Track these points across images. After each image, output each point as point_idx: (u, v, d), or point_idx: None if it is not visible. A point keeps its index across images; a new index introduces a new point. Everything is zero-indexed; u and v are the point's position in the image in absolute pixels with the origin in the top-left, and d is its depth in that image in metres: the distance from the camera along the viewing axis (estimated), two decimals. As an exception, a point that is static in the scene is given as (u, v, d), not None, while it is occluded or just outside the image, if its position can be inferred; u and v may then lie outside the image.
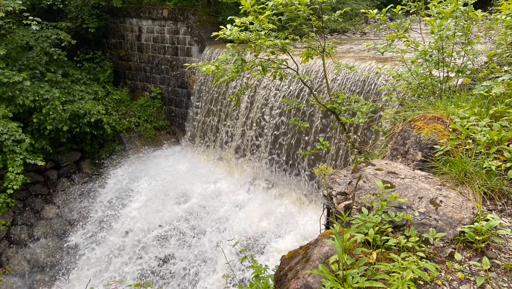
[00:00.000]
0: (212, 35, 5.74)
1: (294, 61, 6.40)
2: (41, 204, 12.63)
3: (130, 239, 10.95)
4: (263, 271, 3.83)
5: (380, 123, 7.05)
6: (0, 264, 11.01)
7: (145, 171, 12.65)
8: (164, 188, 11.76)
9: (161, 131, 14.72)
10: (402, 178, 3.12)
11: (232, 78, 6.27)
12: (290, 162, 10.73)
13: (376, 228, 2.67)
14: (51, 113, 11.94)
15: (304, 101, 9.92)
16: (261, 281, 3.68)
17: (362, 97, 7.73)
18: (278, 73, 6.29)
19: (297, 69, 6.41)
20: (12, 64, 11.95)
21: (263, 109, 11.29)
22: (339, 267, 2.39)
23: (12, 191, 10.77)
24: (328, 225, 3.94)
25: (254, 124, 11.57)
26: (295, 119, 6.51)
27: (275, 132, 11.03)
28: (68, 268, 11.42)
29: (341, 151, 9.31)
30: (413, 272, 2.35)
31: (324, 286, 2.29)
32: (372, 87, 8.81)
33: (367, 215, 2.75)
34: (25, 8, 11.52)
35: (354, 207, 3.02)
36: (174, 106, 14.69)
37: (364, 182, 3.13)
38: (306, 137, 10.20)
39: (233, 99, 6.44)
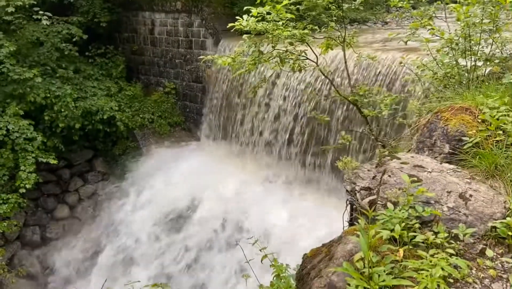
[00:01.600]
0: (228, 26, 5.42)
1: (314, 52, 5.97)
2: (53, 204, 12.43)
3: (146, 238, 10.71)
4: (284, 270, 3.73)
5: (404, 116, 6.81)
6: (13, 266, 10.82)
7: (159, 168, 12.30)
8: (179, 185, 11.41)
9: (176, 127, 14.35)
10: (429, 172, 3.02)
11: (249, 71, 5.94)
12: (311, 157, 10.30)
13: (403, 224, 2.57)
14: (63, 110, 11.66)
15: (323, 95, 9.46)
16: (282, 281, 3.61)
17: (385, 89, 7.38)
18: (296, 64, 5.88)
19: (317, 60, 5.97)
20: (23, 61, 11.70)
21: (282, 103, 10.84)
22: (364, 265, 2.30)
23: (24, 190, 10.53)
24: (351, 222, 3.80)
25: (273, 118, 11.12)
26: (316, 112, 6.12)
27: (295, 126, 10.57)
28: (82, 269, 11.20)
29: (363, 144, 8.93)
30: (442, 269, 2.25)
31: (349, 284, 2.21)
32: (395, 78, 8.39)
33: (393, 211, 2.65)
34: (35, 2, 11.23)
35: (379, 202, 2.94)
36: (189, 101, 14.30)
37: (389, 176, 3.02)
38: (327, 132, 9.76)
39: (251, 92, 6.05)
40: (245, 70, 6.02)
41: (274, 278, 3.63)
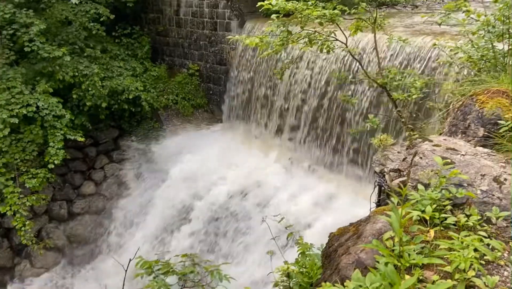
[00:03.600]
0: (258, 5, 5.41)
1: (343, 33, 5.86)
2: (80, 180, 12.75)
3: (168, 213, 10.91)
4: (308, 249, 3.73)
5: (435, 99, 6.66)
6: (40, 238, 11.24)
7: (182, 149, 12.44)
8: (201, 167, 11.54)
9: (199, 109, 14.43)
10: (462, 155, 2.98)
11: (276, 52, 5.91)
12: (332, 141, 10.21)
13: (434, 206, 2.53)
14: (90, 89, 11.87)
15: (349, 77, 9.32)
16: (307, 258, 3.60)
17: (416, 72, 7.22)
18: (325, 45, 5.79)
19: (346, 41, 5.87)
20: (52, 39, 11.90)
21: (305, 86, 10.73)
22: (394, 244, 2.27)
23: (53, 166, 10.84)
24: (379, 203, 3.83)
25: (295, 102, 11.05)
26: (344, 95, 6.03)
27: (318, 109, 10.48)
28: (107, 243, 11.54)
29: (390, 128, 8.79)
30: (475, 250, 2.22)
31: (378, 262, 2.18)
32: (426, 62, 8.18)
33: (425, 192, 2.60)
34: (64, -19, 11.37)
35: (409, 184, 2.92)
36: (212, 84, 14.31)
37: (421, 158, 3.00)
38: (351, 115, 9.63)
39: (278, 74, 6.00)
40: (272, 51, 6.00)
41: (299, 256, 3.66)
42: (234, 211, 10.38)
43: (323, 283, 2.52)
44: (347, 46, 5.77)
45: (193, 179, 11.51)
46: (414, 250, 2.28)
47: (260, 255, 8.37)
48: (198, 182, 11.40)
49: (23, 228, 10.30)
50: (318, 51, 5.75)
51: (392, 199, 2.68)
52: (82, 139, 11.58)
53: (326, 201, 9.55)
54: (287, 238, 3.74)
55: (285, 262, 3.53)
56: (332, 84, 9.93)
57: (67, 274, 11.34)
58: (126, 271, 2.95)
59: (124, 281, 3.06)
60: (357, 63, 8.20)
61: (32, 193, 10.97)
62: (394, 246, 2.30)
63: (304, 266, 3.45)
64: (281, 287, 3.41)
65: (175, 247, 9.92)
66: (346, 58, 9.30)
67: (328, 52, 5.87)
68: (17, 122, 10.33)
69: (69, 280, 11.11)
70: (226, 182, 11.13)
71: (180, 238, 10.29)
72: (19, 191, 10.53)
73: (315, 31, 5.68)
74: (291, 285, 3.31)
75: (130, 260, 3.00)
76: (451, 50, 5.25)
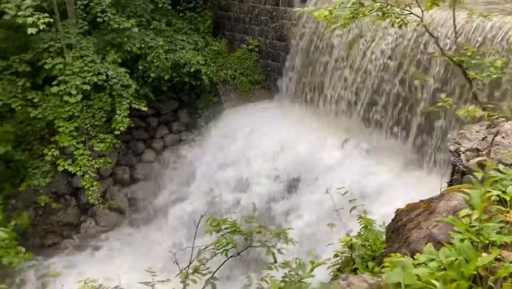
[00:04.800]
0: None
1: (419, 6, 5.57)
2: (142, 148, 13.42)
3: (225, 184, 11.20)
4: (371, 224, 3.67)
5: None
6: (105, 199, 12.04)
7: (239, 123, 12.63)
8: (257, 141, 11.68)
9: (256, 85, 14.49)
10: None
11: (345, 25, 5.73)
12: (394, 124, 9.86)
13: None
14: (154, 61, 12.31)
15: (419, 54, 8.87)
16: (370, 233, 3.56)
17: (497, 49, 6.74)
18: (399, 19, 5.55)
19: (422, 15, 5.58)
20: (121, 11, 12.40)
21: (368, 62, 10.36)
22: (470, 222, 2.19)
23: (118, 132, 11.49)
24: (451, 183, 3.71)
25: (358, 80, 10.71)
26: (416, 71, 5.77)
27: (380, 88, 10.12)
28: (164, 209, 12.16)
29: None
30: None
31: (452, 238, 2.13)
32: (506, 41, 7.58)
33: (509, 171, 2.52)
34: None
35: (489, 163, 2.80)
36: (271, 60, 14.26)
37: (503, 137, 2.96)
38: (418, 95, 9.18)
39: (345, 48, 5.86)
40: (340, 25, 5.84)
41: (362, 229, 3.64)
42: (289, 187, 10.45)
43: (392, 254, 2.51)
44: (422, 21, 5.49)
45: (249, 154, 11.68)
46: (492, 229, 2.20)
47: (316, 231, 8.39)
48: (254, 157, 11.55)
49: (91, 188, 11.11)
50: (390, 25, 5.53)
51: (467, 177, 2.58)
52: (146, 109, 12.11)
53: (384, 186, 9.27)
54: (350, 211, 3.72)
55: (347, 234, 3.54)
56: (400, 60, 9.49)
57: (127, 234, 12.15)
58: (197, 226, 3.13)
59: (195, 235, 3.23)
60: (432, 40, 7.79)
61: (100, 156, 11.73)
62: (470, 223, 2.22)
63: (366, 240, 3.44)
64: (343, 258, 3.43)
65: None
66: (418, 33, 8.81)
67: (400, 26, 5.63)
68: (88, 89, 11.00)
69: (129, 239, 11.91)
70: (281, 158, 11.19)
71: (237, 211, 10.57)
72: (88, 153, 11.31)
73: (388, 4, 5.45)
74: (353, 256, 3.33)
75: (201, 216, 3.17)
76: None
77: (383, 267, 2.33)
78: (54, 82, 10.93)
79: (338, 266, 3.40)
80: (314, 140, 11.37)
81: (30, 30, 8.83)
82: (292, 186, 10.34)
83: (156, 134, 13.81)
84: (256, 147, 11.62)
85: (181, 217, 11.18)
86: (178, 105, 14.41)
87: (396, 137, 9.91)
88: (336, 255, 3.55)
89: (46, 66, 10.80)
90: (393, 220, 3.03)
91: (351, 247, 3.35)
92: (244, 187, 10.91)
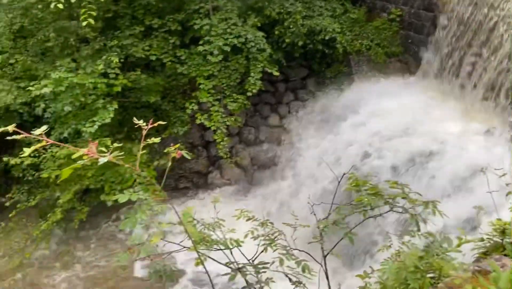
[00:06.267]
0: None
1: None
2: (268, 112, 13.90)
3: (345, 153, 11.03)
4: None
5: None
6: (231, 155, 12.93)
7: (368, 97, 12.13)
8: (386, 119, 11.11)
9: (392, 58, 13.64)
10: None
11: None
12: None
13: None
14: (291, 26, 12.42)
15: None
16: None
17: None
18: None
19: None
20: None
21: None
22: None
23: (250, 94, 12.07)
24: None
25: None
26: None
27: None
28: (284, 169, 12.62)
29: None
30: None
31: None
32: None
33: None
34: None
35: None
36: (413, 31, 13.21)
37: None
38: None
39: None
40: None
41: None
42: (414, 171, 9.78)
43: None
44: None
45: (375, 129, 11.20)
46: None
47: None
48: (380, 133, 11.03)
49: (221, 143, 12.04)
50: None
51: None
52: (277, 73, 12.40)
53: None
54: (506, 195, 3.35)
55: (499, 219, 3.20)
56: None
57: (246, 190, 12.98)
58: (339, 182, 3.18)
59: (336, 191, 3.28)
60: None
61: (231, 114, 12.55)
62: None
63: (522, 229, 3.07)
64: (491, 242, 3.14)
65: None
66: None
67: None
68: (228, 50, 11.68)
69: (247, 195, 12.73)
70: (411, 139, 10.46)
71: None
72: (222, 111, 12.18)
73: None
74: (504, 242, 3.02)
75: (344, 174, 3.20)
76: None
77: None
78: (200, 42, 11.84)
79: (485, 250, 3.12)
80: (453, 123, 10.33)
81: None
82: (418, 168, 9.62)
83: (283, 100, 14.12)
84: (383, 122, 11.05)
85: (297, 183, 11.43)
86: (307, 73, 14.41)
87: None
88: (481, 239, 3.26)
89: (196, 27, 11.75)
90: None
91: (503, 232, 3.04)
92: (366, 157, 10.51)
